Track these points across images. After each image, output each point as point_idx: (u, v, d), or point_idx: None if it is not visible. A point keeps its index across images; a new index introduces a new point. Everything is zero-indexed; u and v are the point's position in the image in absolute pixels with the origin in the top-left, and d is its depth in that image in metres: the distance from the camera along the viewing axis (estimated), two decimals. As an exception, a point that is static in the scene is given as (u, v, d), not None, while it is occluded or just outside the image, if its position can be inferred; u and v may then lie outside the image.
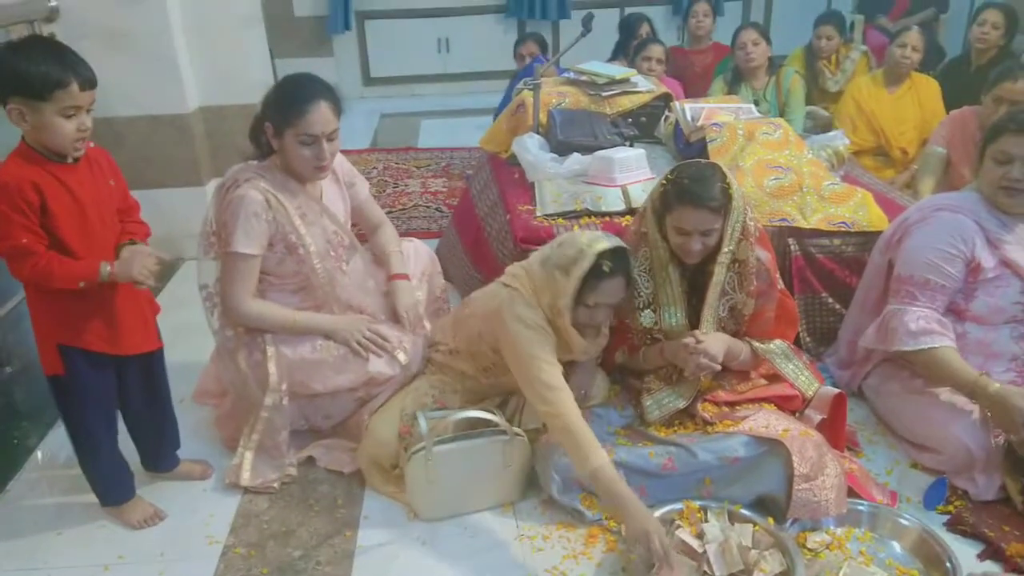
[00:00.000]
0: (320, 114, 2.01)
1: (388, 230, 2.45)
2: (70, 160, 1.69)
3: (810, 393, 2.12)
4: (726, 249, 1.99)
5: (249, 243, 2.05)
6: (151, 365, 1.98)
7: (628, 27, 4.73)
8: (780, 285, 2.14)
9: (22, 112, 1.61)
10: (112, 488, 2.01)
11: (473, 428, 2.03)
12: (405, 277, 2.37)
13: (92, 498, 2.08)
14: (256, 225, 2.04)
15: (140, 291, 1.85)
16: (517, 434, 2.02)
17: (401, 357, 2.19)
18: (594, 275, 1.91)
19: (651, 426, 2.07)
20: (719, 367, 2.01)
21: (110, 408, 1.94)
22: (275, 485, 2.13)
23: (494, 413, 2.00)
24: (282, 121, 2.03)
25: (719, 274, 2.01)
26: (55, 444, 2.35)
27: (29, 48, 1.61)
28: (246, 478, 2.11)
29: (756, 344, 2.09)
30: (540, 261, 2.01)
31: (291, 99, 2.02)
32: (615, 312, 2.08)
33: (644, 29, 4.63)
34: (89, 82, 1.64)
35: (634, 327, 2.13)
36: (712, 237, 1.97)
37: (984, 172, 2.18)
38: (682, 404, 2.08)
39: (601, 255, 1.91)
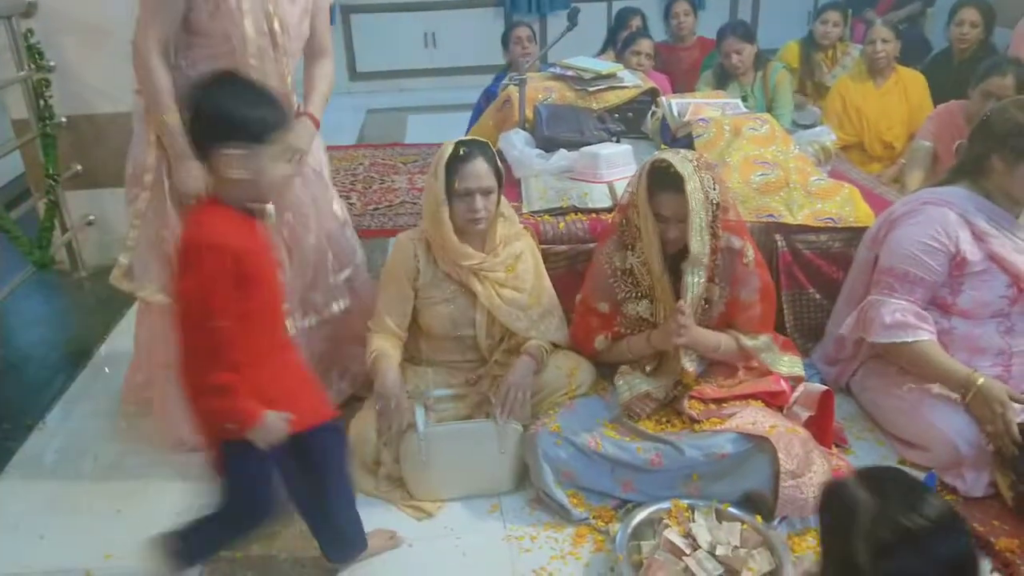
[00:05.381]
0: None
1: (327, 66, 2.25)
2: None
3: (785, 371, 2.14)
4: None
5: None
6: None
7: (621, 19, 4.71)
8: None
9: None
10: None
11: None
12: (315, 121, 2.18)
13: (76, 501, 2.07)
14: None
15: None
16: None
17: None
18: (456, 161, 2.07)
19: (639, 421, 2.06)
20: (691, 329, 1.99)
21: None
22: None
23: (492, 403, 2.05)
24: None
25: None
26: (37, 447, 2.33)
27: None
28: None
29: (743, 340, 2.10)
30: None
31: None
32: (609, 300, 2.10)
33: (636, 22, 4.60)
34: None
35: (627, 314, 2.13)
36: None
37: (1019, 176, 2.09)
38: (649, 388, 2.07)
39: (459, 143, 2.10)
